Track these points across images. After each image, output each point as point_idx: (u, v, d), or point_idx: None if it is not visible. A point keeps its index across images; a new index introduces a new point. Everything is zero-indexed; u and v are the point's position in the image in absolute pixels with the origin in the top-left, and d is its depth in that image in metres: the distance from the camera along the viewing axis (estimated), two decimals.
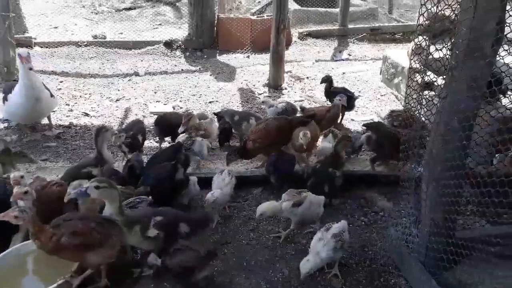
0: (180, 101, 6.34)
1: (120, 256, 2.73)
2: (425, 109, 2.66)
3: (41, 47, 8.09)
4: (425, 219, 2.64)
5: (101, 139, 3.52)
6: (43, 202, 2.87)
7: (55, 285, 2.52)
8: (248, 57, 8.15)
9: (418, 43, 2.68)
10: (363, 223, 3.46)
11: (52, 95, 4.98)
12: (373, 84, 6.74)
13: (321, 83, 5.71)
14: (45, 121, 5.38)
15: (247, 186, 3.88)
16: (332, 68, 7.52)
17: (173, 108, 6.14)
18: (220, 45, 8.30)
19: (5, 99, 4.68)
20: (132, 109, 6.02)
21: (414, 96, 2.75)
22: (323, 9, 10.05)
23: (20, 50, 4.83)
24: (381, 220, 3.50)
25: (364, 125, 4.42)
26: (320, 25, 9.44)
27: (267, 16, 8.46)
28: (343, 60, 7.96)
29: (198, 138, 4.20)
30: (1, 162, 3.67)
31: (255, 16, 8.65)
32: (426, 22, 2.56)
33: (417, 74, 2.88)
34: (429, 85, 2.93)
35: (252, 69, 7.54)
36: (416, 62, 2.69)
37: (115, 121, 5.67)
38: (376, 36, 8.95)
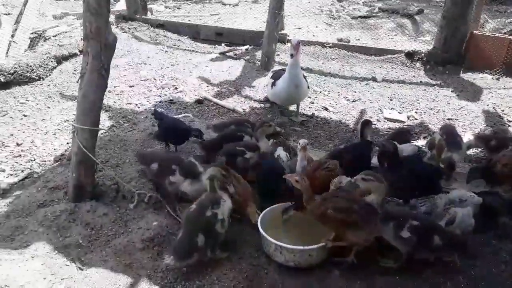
0: (416, 112, 6.22)
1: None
2: None
3: None
4: None
5: (367, 131, 3.81)
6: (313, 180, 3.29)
7: (317, 246, 2.88)
8: (498, 79, 7.36)
9: None
10: None
11: (308, 86, 5.63)
12: None
13: None
14: (292, 108, 6.10)
15: None
16: None
17: (408, 118, 6.08)
18: (467, 62, 7.72)
19: (273, 84, 5.54)
20: (367, 112, 6.24)
21: None
22: None
23: (293, 39, 5.58)
24: None
25: None
26: None
27: None
28: None
29: None
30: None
31: None
32: None
33: None
34: None
35: (503, 92, 6.78)
36: None
37: (351, 119, 5.98)
38: None
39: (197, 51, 8.64)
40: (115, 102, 6.13)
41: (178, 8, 13.10)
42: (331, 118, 6.01)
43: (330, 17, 12.27)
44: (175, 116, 5.29)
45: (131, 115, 5.62)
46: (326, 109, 6.32)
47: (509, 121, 5.89)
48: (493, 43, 7.48)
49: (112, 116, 5.67)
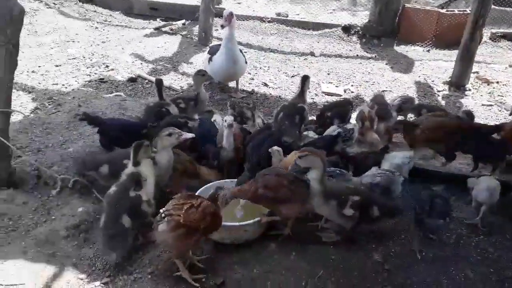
0: (352, 85, 6.34)
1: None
2: None
3: None
4: None
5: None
6: None
7: (252, 221, 2.83)
8: (428, 51, 7.68)
9: None
10: None
11: (246, 62, 5.51)
12: None
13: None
14: (232, 84, 5.97)
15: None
16: None
17: (344, 91, 6.19)
18: (400, 35, 7.98)
19: (210, 59, 5.35)
20: None
21: None
22: None
23: (225, 10, 5.36)
24: None
25: None
26: None
27: (458, 11, 7.80)
28: None
29: None
30: None
31: (444, 10, 8.05)
32: None
33: None
34: None
35: (433, 64, 7.09)
36: None
37: (290, 95, 5.96)
38: None
39: (130, 27, 8.19)
40: (39, 83, 5.66)
41: None
42: (270, 94, 5.97)
43: None
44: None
45: (57, 96, 5.22)
46: (266, 85, 6.26)
47: (439, 91, 6.17)
48: (423, 16, 7.77)
49: (36, 97, 5.24)
